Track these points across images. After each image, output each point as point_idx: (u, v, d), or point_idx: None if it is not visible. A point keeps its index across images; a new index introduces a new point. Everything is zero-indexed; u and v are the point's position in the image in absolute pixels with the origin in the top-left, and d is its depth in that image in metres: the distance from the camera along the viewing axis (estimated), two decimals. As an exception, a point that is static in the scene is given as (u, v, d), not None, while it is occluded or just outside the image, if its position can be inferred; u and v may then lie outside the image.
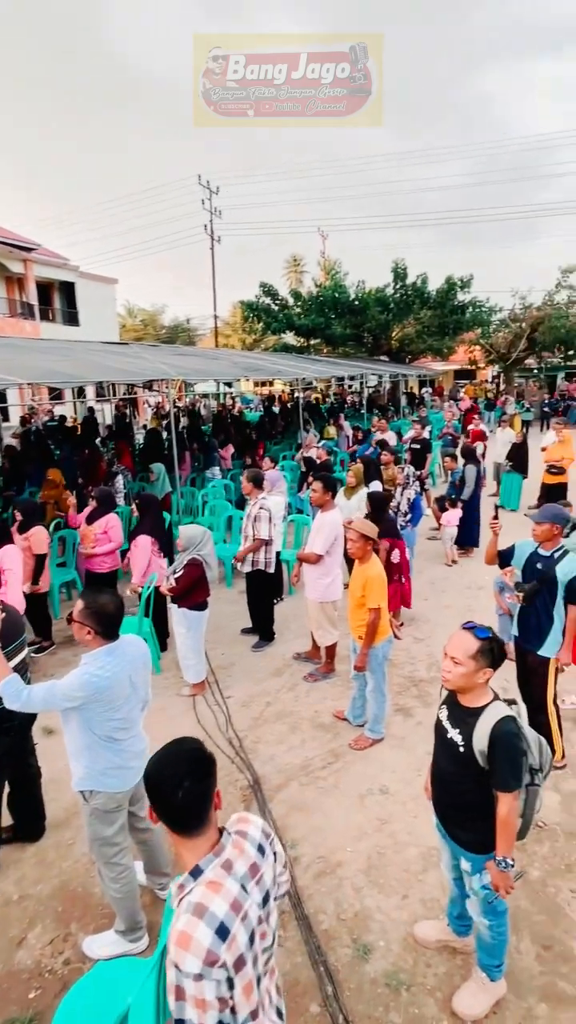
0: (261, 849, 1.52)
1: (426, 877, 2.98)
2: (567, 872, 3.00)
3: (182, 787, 1.41)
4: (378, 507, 5.73)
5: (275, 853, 1.58)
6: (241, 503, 5.78)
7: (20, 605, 4.10)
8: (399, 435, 12.06)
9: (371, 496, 5.90)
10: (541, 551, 3.63)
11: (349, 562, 4.22)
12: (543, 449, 9.43)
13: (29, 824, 3.29)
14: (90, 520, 5.56)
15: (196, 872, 1.40)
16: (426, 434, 11.30)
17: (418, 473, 8.69)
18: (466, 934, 2.56)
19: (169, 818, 1.44)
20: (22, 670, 3.02)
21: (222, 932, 1.30)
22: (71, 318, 25.12)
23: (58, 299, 25.35)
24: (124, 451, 10.87)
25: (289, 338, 23.10)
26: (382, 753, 3.97)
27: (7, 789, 3.16)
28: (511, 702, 2.24)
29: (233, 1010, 1.32)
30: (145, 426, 17.91)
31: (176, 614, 4.57)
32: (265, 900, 1.47)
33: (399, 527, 6.02)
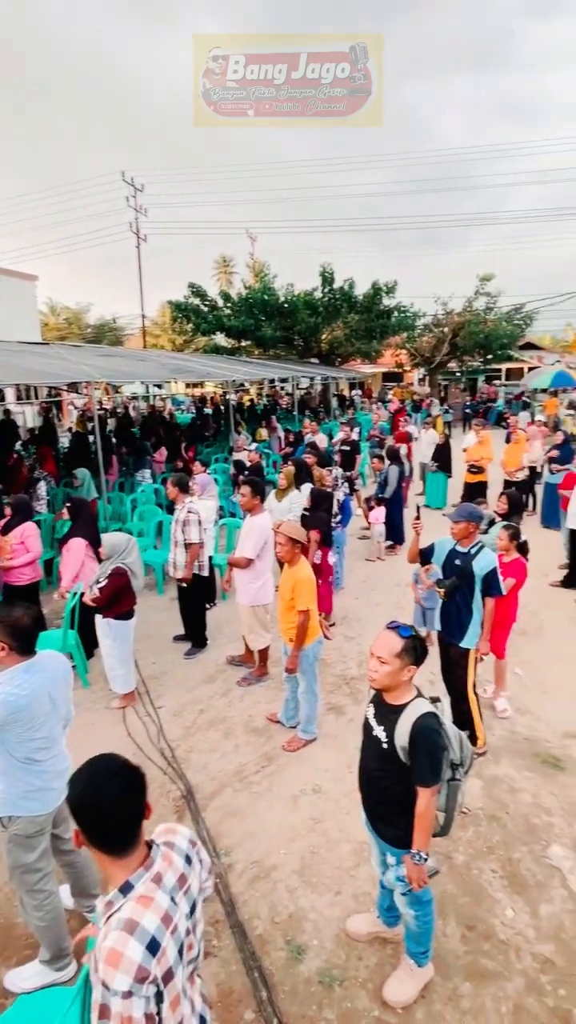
0: (188, 859, 1.53)
1: (358, 872, 3.05)
2: (489, 854, 3.16)
3: (114, 807, 1.39)
4: (318, 503, 5.84)
5: (200, 861, 1.59)
6: (172, 508, 5.69)
7: None
8: (330, 437, 12.26)
9: (313, 492, 6.00)
10: (459, 548, 3.81)
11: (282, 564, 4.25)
12: (464, 450, 9.87)
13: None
14: (6, 530, 5.28)
15: (126, 888, 1.38)
16: (355, 436, 11.55)
17: (347, 474, 8.89)
18: (396, 924, 2.63)
19: (100, 840, 1.40)
20: None
21: (153, 947, 1.30)
22: (-14, 316, 23.76)
23: (-28, 295, 23.92)
24: (47, 456, 10.41)
25: (220, 339, 22.95)
26: (315, 753, 4.02)
27: None
28: (435, 699, 2.33)
29: None
30: (71, 429, 17.25)
31: (101, 624, 4.43)
32: (192, 910, 1.49)
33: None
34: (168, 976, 1.33)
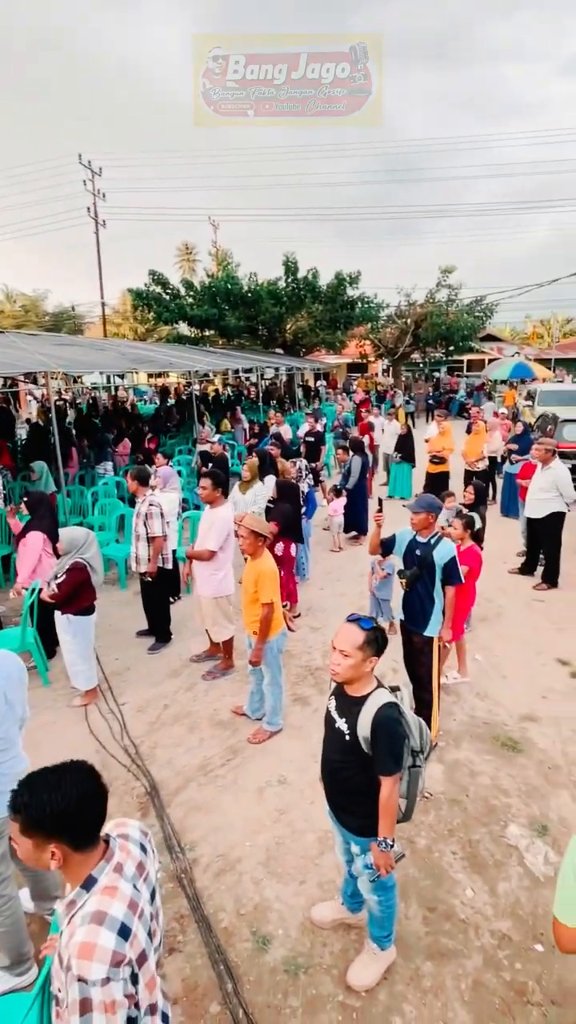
0: (143, 848, 1.57)
1: (323, 860, 3.08)
2: (449, 836, 3.24)
3: (93, 801, 1.42)
4: (283, 495, 5.83)
5: (153, 850, 1.63)
6: (134, 501, 5.59)
7: None
8: (295, 428, 12.25)
9: (279, 483, 6.00)
10: (419, 538, 3.86)
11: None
12: (426, 440, 10.00)
13: None
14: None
15: (89, 883, 1.39)
16: (320, 427, 11.57)
17: (312, 466, 8.91)
18: (360, 910, 2.68)
19: (74, 836, 1.39)
20: None
21: (124, 932, 1.33)
22: None
23: None
24: (2, 449, 10.08)
25: (183, 328, 22.59)
26: (280, 744, 4.03)
27: None
28: (394, 688, 2.36)
29: (137, 1005, 1.37)
30: (28, 420, 16.74)
31: (61, 621, 4.33)
32: (152, 896, 1.53)
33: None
34: (142, 958, 1.37)
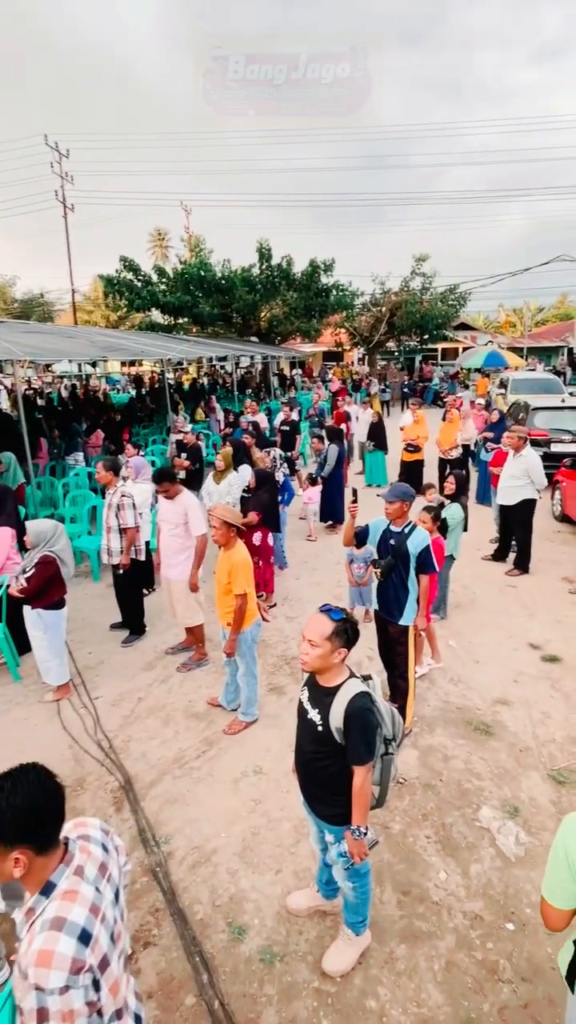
0: (104, 848, 1.53)
1: (298, 849, 3.09)
2: (423, 821, 3.28)
3: (56, 802, 1.38)
4: (260, 483, 5.80)
5: (116, 847, 1.61)
6: (105, 492, 5.50)
7: None
8: (270, 416, 12.18)
9: (257, 472, 5.97)
10: (393, 528, 3.86)
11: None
12: (401, 429, 10.03)
13: None
14: None
15: (48, 889, 1.35)
16: (295, 416, 11.52)
17: (287, 455, 8.87)
18: (335, 896, 2.69)
19: (37, 839, 1.34)
20: None
21: (84, 938, 1.29)
22: None
23: None
24: (-31, 439, 9.79)
25: (156, 316, 22.21)
26: (256, 734, 4.03)
27: None
28: (366, 677, 2.35)
29: (100, 1012, 1.33)
30: (5, 413, 16.32)
31: (31, 615, 4.24)
32: (116, 897, 1.50)
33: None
34: (104, 964, 1.33)
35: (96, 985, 1.30)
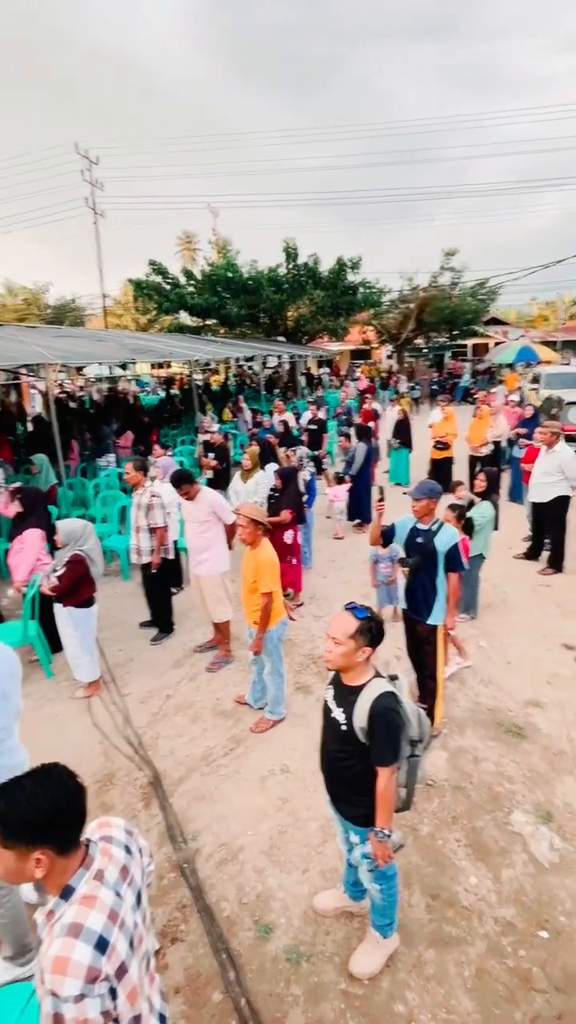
0: (128, 849, 1.51)
1: (325, 849, 3.07)
2: (453, 824, 3.22)
3: (78, 803, 1.38)
4: (287, 481, 5.80)
5: (140, 848, 1.58)
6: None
7: None
8: (298, 416, 12.18)
9: (280, 471, 5.97)
10: (420, 526, 3.80)
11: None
12: (430, 426, 9.90)
13: None
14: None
15: (67, 892, 1.34)
16: (322, 415, 11.48)
17: (314, 454, 8.85)
18: (362, 898, 2.66)
19: (59, 840, 1.34)
20: None
21: (101, 945, 1.28)
22: None
23: None
24: (2, 443, 10.07)
25: (185, 318, 22.45)
26: (283, 733, 4.02)
27: None
28: (392, 677, 2.32)
29: (116, 1020, 1.31)
30: (38, 416, 16.71)
31: (62, 613, 4.32)
32: (138, 900, 1.48)
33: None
34: (121, 971, 1.31)
35: (113, 993, 1.28)
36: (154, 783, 3.61)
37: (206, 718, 4.23)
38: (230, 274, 19.44)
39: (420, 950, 2.56)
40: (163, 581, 5.40)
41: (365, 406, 12.40)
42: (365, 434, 8.36)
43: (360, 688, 2.21)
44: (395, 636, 4.17)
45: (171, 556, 5.41)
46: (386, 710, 2.13)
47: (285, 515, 5.57)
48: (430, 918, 2.70)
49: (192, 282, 20.45)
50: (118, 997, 1.30)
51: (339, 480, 8.07)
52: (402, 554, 3.90)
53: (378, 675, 2.27)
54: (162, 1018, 1.53)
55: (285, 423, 9.71)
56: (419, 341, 27.58)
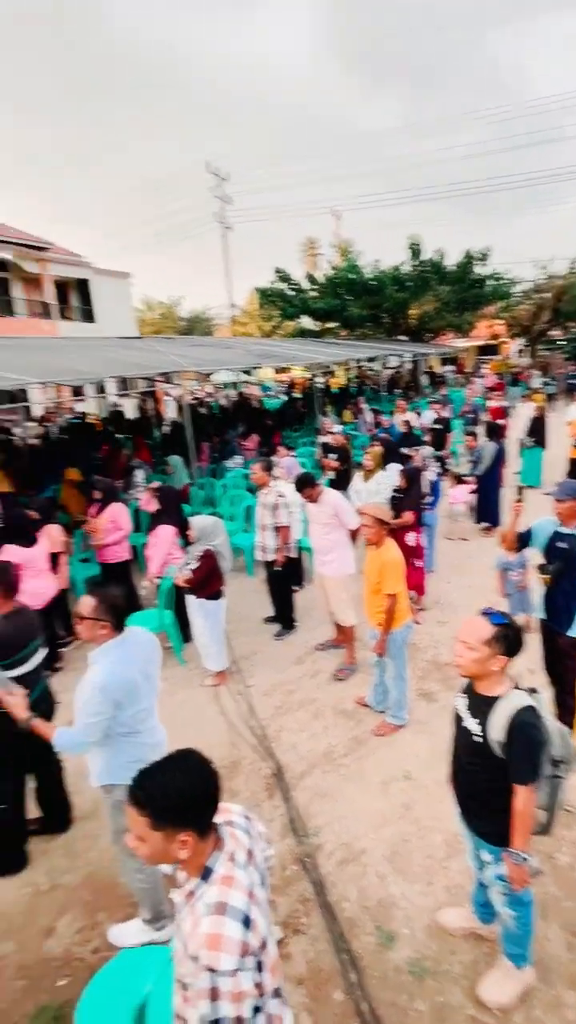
0: (248, 832, 1.55)
1: (450, 864, 2.94)
2: (597, 857, 2.93)
3: (215, 787, 1.42)
4: (411, 481, 5.69)
5: (259, 833, 1.61)
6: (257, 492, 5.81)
7: (39, 602, 4.19)
8: (419, 415, 11.85)
9: (405, 470, 5.87)
10: (563, 529, 3.50)
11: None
12: (568, 423, 9.13)
13: (56, 816, 3.36)
14: (98, 513, 5.62)
15: (207, 873, 1.39)
16: (446, 413, 11.06)
17: (438, 454, 8.55)
18: (491, 921, 2.51)
19: (199, 822, 1.40)
20: (35, 675, 3.05)
21: (246, 922, 1.33)
22: (87, 315, 25.26)
23: (74, 297, 25.51)
24: (141, 446, 10.92)
25: (306, 322, 22.86)
26: (405, 739, 3.92)
27: (34, 783, 3.22)
28: (532, 691, 2.17)
29: (263, 992, 1.35)
30: (174, 421, 17.98)
31: (193, 604, 4.58)
32: (262, 881, 1.51)
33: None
34: (263, 945, 1.36)
35: (259, 967, 1.32)
36: (277, 775, 3.69)
37: (327, 716, 4.25)
38: (352, 276, 19.45)
39: (559, 990, 2.35)
40: (286, 579, 5.53)
41: (492, 403, 11.76)
42: (495, 432, 7.92)
43: (497, 699, 2.08)
44: (528, 648, 3.89)
45: (294, 555, 5.51)
46: (527, 724, 1.99)
47: (408, 516, 5.44)
48: (571, 957, 2.48)
49: (315, 286, 20.76)
50: (264, 970, 1.35)
51: (458, 480, 7.72)
52: (540, 560, 3.62)
53: (517, 687, 2.13)
54: (277, 992, 1.55)
55: (407, 423, 9.49)
56: (555, 333, 25.57)
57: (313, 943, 2.62)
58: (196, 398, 20.94)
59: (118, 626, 2.49)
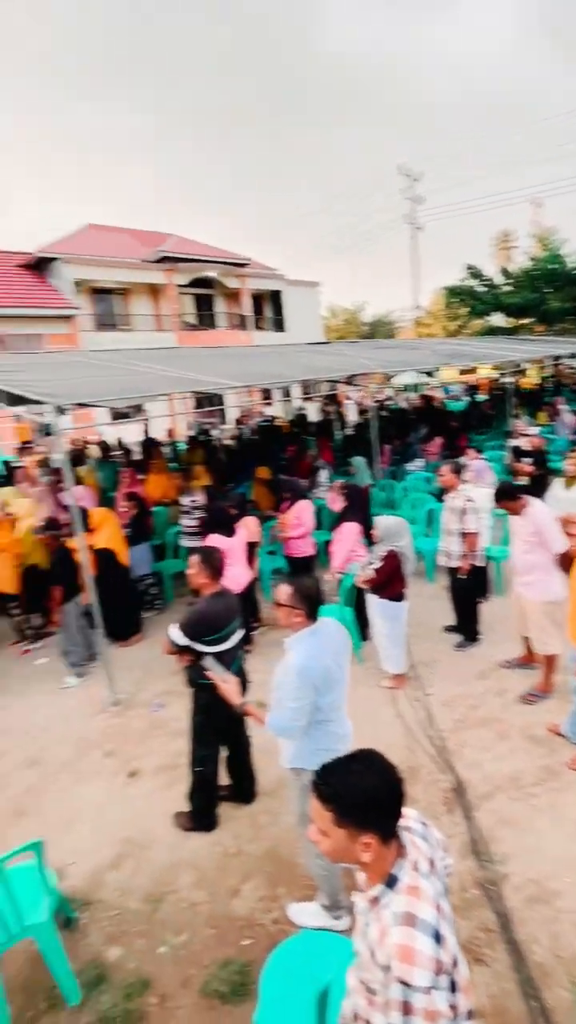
0: (426, 839, 1.47)
1: None
2: None
3: (400, 790, 1.39)
4: None
5: (436, 840, 1.52)
6: (442, 495, 5.60)
7: (236, 587, 4.54)
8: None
9: None
10: None
11: None
12: None
13: (243, 787, 3.60)
14: (285, 510, 5.92)
15: (392, 881, 1.36)
16: None
17: None
18: None
19: (385, 826, 1.37)
20: (234, 652, 3.30)
21: (437, 937, 1.27)
22: (278, 324, 26.87)
23: (267, 308, 27.33)
24: (325, 447, 11.24)
25: (497, 320, 21.50)
26: (610, 780, 3.46)
27: (226, 753, 3.50)
28: None
29: (456, 1014, 1.29)
30: (356, 423, 18.31)
31: (374, 604, 4.58)
32: (444, 892, 1.43)
33: None
34: (455, 963, 1.30)
35: (452, 987, 1.26)
36: (457, 790, 3.52)
37: (514, 738, 3.94)
38: (554, 266, 17.80)
39: None
40: (471, 588, 5.24)
41: None
42: None
43: None
44: None
45: (481, 563, 5.21)
46: None
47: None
48: None
49: (509, 280, 19.43)
50: (457, 991, 1.28)
51: None
52: None
53: None
54: (469, 1014, 1.45)
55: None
56: None
57: (497, 979, 2.44)
58: (378, 400, 21.00)
59: (311, 615, 2.58)
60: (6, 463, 10.80)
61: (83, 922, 2.89)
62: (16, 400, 5.15)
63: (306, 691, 2.39)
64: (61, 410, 4.41)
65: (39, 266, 19.80)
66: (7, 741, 4.50)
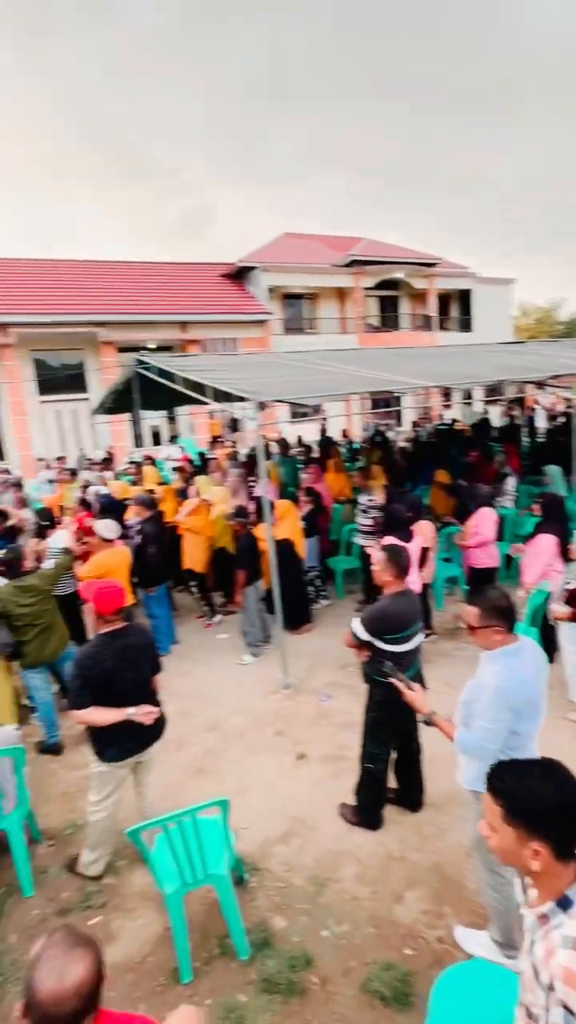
0: None
1: None
2: None
3: (574, 808, 1.30)
4: None
5: None
6: None
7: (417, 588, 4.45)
8: None
9: None
10: None
11: None
12: None
13: (411, 795, 3.52)
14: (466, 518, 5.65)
15: (566, 903, 1.27)
16: None
17: None
18: None
19: (558, 843, 1.29)
20: (414, 654, 3.23)
21: None
22: (464, 324, 25.73)
23: (454, 307, 26.32)
24: (512, 453, 10.49)
25: None
26: None
27: (395, 756, 3.46)
28: None
29: None
30: (549, 429, 16.87)
31: (564, 628, 4.15)
32: None
33: None
34: None
35: None
36: None
37: None
38: None
39: None
40: None
41: None
42: None
43: None
44: None
45: None
46: None
47: None
48: None
49: None
50: None
51: None
52: None
53: None
54: None
55: None
56: None
57: None
58: (570, 406, 19.04)
59: (511, 628, 2.41)
60: (201, 455, 11.90)
61: (252, 885, 3.07)
62: (222, 396, 5.63)
63: (503, 712, 2.23)
64: (262, 406, 4.72)
65: (239, 275, 21.46)
66: (190, 704, 4.96)
